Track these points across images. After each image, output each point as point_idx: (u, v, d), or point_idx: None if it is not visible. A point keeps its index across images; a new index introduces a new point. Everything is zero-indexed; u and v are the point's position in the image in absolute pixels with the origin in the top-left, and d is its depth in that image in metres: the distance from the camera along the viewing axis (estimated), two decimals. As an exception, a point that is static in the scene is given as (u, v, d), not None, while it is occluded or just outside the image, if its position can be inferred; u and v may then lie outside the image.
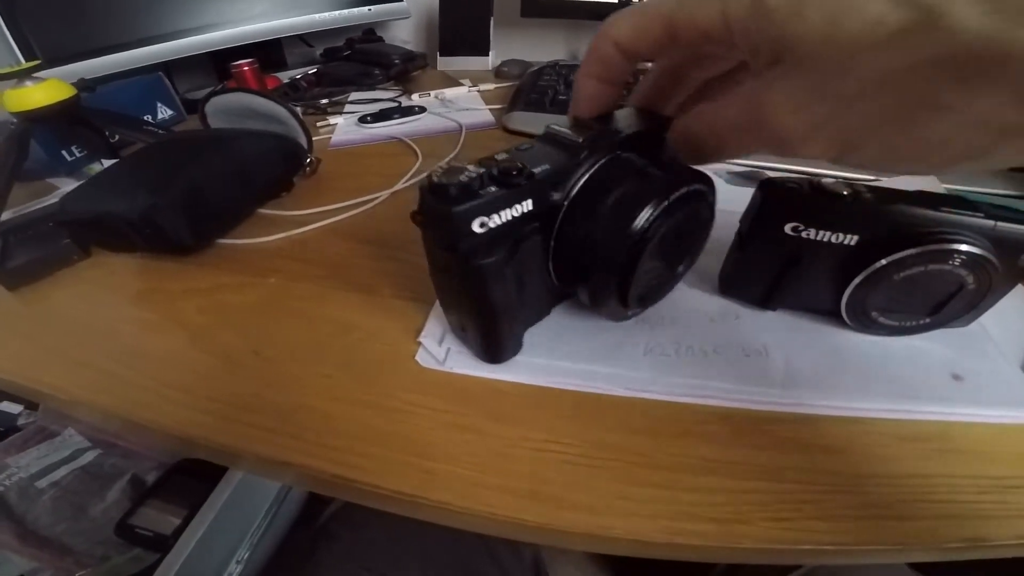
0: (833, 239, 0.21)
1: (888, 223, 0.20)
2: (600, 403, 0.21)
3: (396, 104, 0.57)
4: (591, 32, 0.78)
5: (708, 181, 0.21)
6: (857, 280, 0.21)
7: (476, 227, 0.17)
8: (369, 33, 0.77)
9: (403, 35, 0.87)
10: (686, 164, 0.21)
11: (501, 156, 0.19)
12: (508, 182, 0.18)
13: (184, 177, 0.31)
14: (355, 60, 0.71)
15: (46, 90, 0.41)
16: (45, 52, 0.55)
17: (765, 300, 0.24)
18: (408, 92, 0.62)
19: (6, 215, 0.39)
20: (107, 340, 0.28)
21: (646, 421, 0.21)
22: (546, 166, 0.19)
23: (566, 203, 0.20)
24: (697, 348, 0.23)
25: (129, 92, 0.58)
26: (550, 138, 0.21)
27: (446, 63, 0.75)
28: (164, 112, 0.62)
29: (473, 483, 0.19)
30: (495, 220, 0.18)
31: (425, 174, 0.18)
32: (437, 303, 0.26)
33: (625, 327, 0.24)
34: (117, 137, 0.51)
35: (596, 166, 0.20)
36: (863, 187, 0.21)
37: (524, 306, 0.22)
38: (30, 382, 0.26)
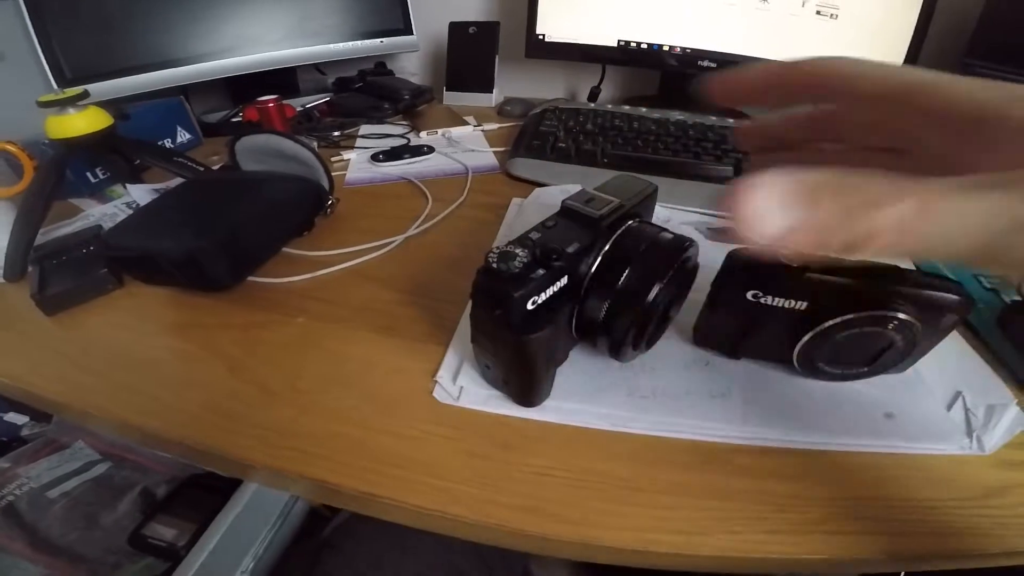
0: (786, 304, 0.24)
1: (831, 292, 0.23)
2: (589, 436, 0.25)
3: (406, 141, 0.60)
4: (589, 73, 0.81)
5: (694, 243, 0.25)
6: (806, 338, 0.25)
7: (529, 306, 0.20)
8: (380, 66, 0.80)
9: (410, 67, 0.90)
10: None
11: (535, 236, 0.22)
12: (550, 264, 0.20)
13: (224, 220, 0.34)
14: (366, 92, 0.73)
15: (87, 119, 0.42)
16: (73, 71, 0.55)
17: (732, 350, 0.28)
18: (416, 127, 0.65)
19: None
20: (151, 368, 0.30)
21: (627, 451, 0.24)
22: (576, 244, 0.21)
23: (590, 275, 0.23)
24: (671, 391, 0.27)
25: (152, 115, 0.59)
26: (569, 213, 0.23)
27: (452, 98, 0.78)
28: (183, 136, 0.63)
29: (483, 500, 0.22)
30: (541, 297, 0.20)
31: (485, 257, 0.20)
32: (451, 346, 0.29)
33: (612, 373, 0.28)
34: (138, 160, 0.52)
35: (612, 240, 0.23)
36: (812, 260, 0.24)
37: (552, 361, 0.25)
38: (82, 405, 0.28)
